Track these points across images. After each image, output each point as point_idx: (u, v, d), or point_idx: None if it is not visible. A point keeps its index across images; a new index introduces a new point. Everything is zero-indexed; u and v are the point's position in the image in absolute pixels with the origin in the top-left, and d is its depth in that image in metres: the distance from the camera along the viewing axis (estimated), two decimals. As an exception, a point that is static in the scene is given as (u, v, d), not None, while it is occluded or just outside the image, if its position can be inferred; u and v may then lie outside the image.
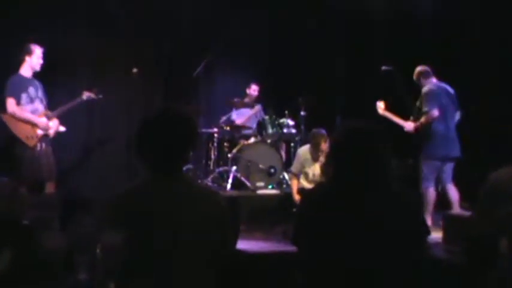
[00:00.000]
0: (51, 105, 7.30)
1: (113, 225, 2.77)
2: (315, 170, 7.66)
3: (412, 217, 2.95)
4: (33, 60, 7.07)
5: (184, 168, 3.27)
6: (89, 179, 9.04)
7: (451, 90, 7.34)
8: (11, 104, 6.82)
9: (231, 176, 8.99)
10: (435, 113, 7.05)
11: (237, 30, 10.20)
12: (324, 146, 7.45)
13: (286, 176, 9.22)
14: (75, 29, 8.71)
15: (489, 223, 3.53)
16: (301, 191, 7.58)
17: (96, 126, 9.28)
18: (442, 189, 7.25)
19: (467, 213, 6.03)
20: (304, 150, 7.91)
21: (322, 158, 7.51)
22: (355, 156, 2.94)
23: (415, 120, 7.38)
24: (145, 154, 2.89)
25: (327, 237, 2.89)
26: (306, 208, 3.10)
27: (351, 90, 10.18)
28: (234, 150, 9.35)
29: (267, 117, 9.86)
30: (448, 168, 7.29)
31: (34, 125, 6.94)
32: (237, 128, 9.89)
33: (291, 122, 9.67)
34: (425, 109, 7.12)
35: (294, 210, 6.89)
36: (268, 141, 9.64)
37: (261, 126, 10.17)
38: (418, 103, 7.32)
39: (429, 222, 6.71)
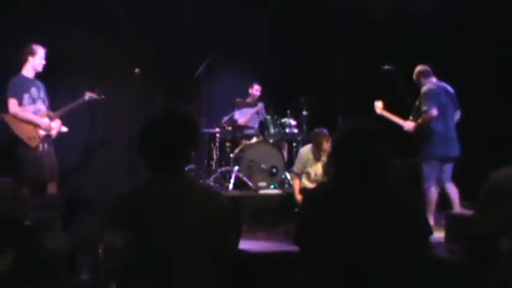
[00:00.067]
0: (53, 106, 7.30)
1: (114, 225, 2.77)
2: (316, 169, 7.66)
3: (414, 217, 2.95)
4: (36, 61, 7.07)
5: (186, 168, 3.27)
6: (91, 179, 9.04)
7: (450, 89, 7.34)
8: (13, 104, 6.82)
9: (233, 176, 8.99)
10: (434, 112, 7.05)
11: (238, 30, 10.19)
12: (326, 145, 7.45)
13: (288, 176, 9.23)
14: (76, 30, 8.69)
15: (490, 223, 3.53)
16: (303, 190, 7.58)
17: (98, 126, 9.27)
18: (441, 188, 7.25)
19: (469, 213, 6.03)
20: (306, 150, 7.91)
21: (324, 158, 7.50)
22: (356, 156, 2.95)
23: (414, 120, 7.38)
24: (147, 154, 2.90)
25: (329, 237, 2.90)
26: (308, 208, 3.10)
27: (353, 90, 10.18)
28: (236, 150, 9.35)
29: (269, 117, 9.87)
30: (448, 167, 7.29)
31: (36, 126, 6.94)
32: (239, 128, 9.89)
33: (293, 122, 9.68)
34: (424, 108, 7.12)
35: (296, 210, 6.89)
36: (270, 141, 9.65)
37: (263, 126, 10.19)
38: (417, 102, 7.32)
39: (431, 221, 6.71)
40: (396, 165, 2.99)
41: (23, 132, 6.86)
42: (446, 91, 7.29)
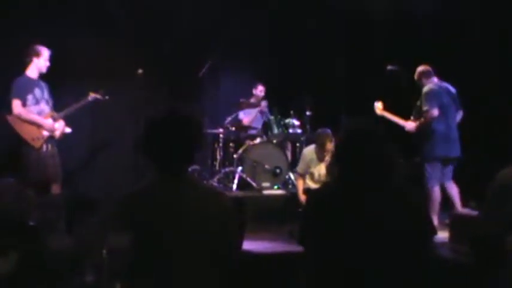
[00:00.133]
0: (57, 107, 7.31)
1: (119, 226, 2.77)
2: (320, 170, 7.66)
3: (417, 217, 2.95)
4: (41, 62, 7.07)
5: (190, 169, 3.27)
6: (94, 179, 9.04)
7: (452, 89, 7.33)
8: (16, 105, 6.82)
9: (237, 176, 9.00)
10: (435, 112, 7.05)
11: (239, 30, 10.19)
12: (329, 145, 7.45)
13: (292, 176, 9.23)
14: (77, 30, 8.68)
15: (495, 222, 3.53)
16: (307, 191, 7.58)
17: (101, 127, 9.28)
18: (442, 187, 7.24)
19: (474, 213, 6.03)
20: (309, 150, 7.90)
21: (327, 158, 7.50)
22: (359, 156, 2.95)
23: (415, 120, 7.38)
24: (151, 155, 2.90)
25: (332, 237, 2.90)
26: (311, 208, 3.10)
27: (355, 90, 10.17)
28: (240, 151, 9.36)
29: (272, 117, 9.87)
30: (448, 167, 7.29)
31: (40, 127, 6.93)
32: (242, 129, 9.89)
33: (296, 122, 9.68)
34: (425, 108, 7.11)
35: (300, 210, 6.89)
36: (274, 141, 9.65)
37: (266, 127, 10.19)
38: (418, 103, 7.32)
39: (436, 221, 6.71)
40: (399, 165, 2.98)
41: (27, 133, 6.86)
42: (448, 91, 7.28)
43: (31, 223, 3.79)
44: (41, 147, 6.93)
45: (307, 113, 9.81)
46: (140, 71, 8.52)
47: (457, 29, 8.87)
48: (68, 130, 7.30)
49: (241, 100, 9.86)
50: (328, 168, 7.38)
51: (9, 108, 6.85)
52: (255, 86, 10.31)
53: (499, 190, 3.62)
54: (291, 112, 9.78)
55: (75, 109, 7.36)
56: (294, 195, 8.11)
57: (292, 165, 9.29)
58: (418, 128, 7.30)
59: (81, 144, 9.03)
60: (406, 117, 7.51)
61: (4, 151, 7.49)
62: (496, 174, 3.79)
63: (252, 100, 10.23)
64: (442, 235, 5.99)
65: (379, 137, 3.00)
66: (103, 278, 2.89)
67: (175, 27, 9.68)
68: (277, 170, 9.20)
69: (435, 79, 7.33)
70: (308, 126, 9.75)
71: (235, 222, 3.00)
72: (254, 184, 8.97)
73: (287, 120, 9.70)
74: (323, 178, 7.57)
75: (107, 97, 7.66)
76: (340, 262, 2.87)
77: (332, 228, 2.90)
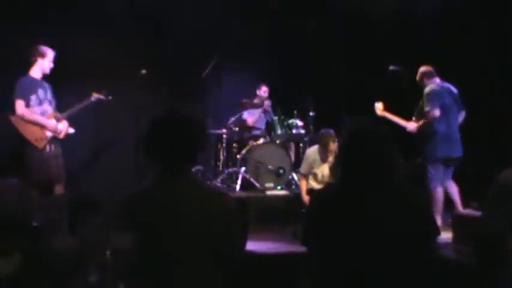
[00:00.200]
0: (59, 107, 7.31)
1: (121, 227, 2.77)
2: (323, 170, 7.66)
3: (420, 217, 2.95)
4: (45, 63, 7.07)
5: (193, 169, 3.27)
6: (97, 180, 9.05)
7: (454, 90, 7.33)
8: (20, 106, 6.82)
9: (240, 176, 9.00)
10: (436, 113, 7.04)
11: (242, 31, 10.20)
12: (333, 146, 7.45)
13: (295, 177, 9.22)
14: (79, 30, 8.68)
15: (497, 223, 3.52)
16: (310, 191, 7.58)
17: (104, 127, 9.28)
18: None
19: (476, 213, 6.02)
20: (312, 151, 7.91)
21: (330, 159, 7.51)
22: (361, 157, 2.96)
23: (417, 120, 7.38)
24: (154, 155, 2.90)
25: (335, 237, 2.90)
26: (315, 209, 3.10)
27: (359, 91, 10.16)
28: (243, 151, 9.36)
29: (275, 118, 9.87)
30: (449, 167, 7.29)
31: (43, 127, 6.94)
32: (246, 129, 9.89)
33: (299, 123, 9.67)
34: (426, 109, 7.11)
35: (303, 210, 6.88)
36: (277, 141, 9.65)
37: (269, 127, 10.19)
38: (420, 103, 7.31)
39: (439, 222, 6.71)
40: (400, 165, 2.98)
41: (30, 133, 6.86)
42: (450, 92, 7.28)
43: (34, 223, 3.80)
44: (44, 147, 6.94)
45: (311, 113, 9.80)
46: (144, 71, 8.53)
47: (457, 29, 8.87)
48: (71, 131, 7.31)
49: (244, 100, 9.86)
50: (331, 169, 7.37)
51: (12, 109, 6.86)
52: (258, 87, 10.33)
53: (500, 191, 3.62)
54: (294, 112, 9.77)
55: (78, 109, 7.37)
56: (297, 196, 8.10)
57: (296, 165, 9.28)
58: (420, 129, 7.30)
59: (84, 144, 9.04)
60: (408, 118, 7.51)
61: (7, 151, 7.49)
62: (497, 174, 3.79)
63: (256, 101, 10.25)
64: (446, 236, 5.98)
65: (380, 137, 3.00)
66: (107, 278, 2.89)
67: (178, 28, 9.68)
68: (281, 171, 9.20)
69: (437, 79, 7.33)
70: (311, 127, 9.74)
71: (239, 223, 3.00)
72: (257, 184, 8.97)
73: (290, 121, 9.69)
74: (326, 178, 7.56)
75: (109, 97, 7.66)
76: (343, 262, 2.87)
77: (335, 229, 2.91)
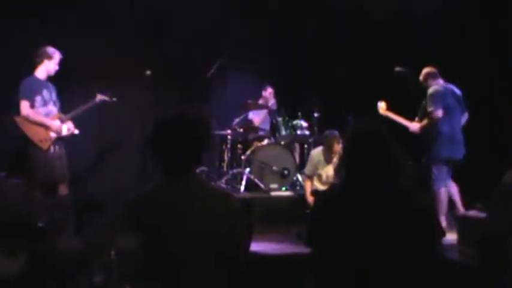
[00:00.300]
0: (64, 108, 7.32)
1: (126, 228, 2.78)
2: (328, 171, 7.66)
3: (425, 218, 2.94)
4: (51, 65, 7.08)
5: (198, 170, 3.28)
6: (102, 181, 9.04)
7: (457, 91, 7.32)
8: (25, 106, 6.83)
9: (245, 177, 8.99)
10: (439, 113, 7.04)
11: (248, 31, 10.21)
12: (337, 147, 7.47)
13: (300, 178, 9.22)
14: (86, 31, 8.68)
15: (501, 224, 3.52)
16: (315, 192, 7.58)
17: (109, 128, 9.28)
18: None
19: (481, 214, 6.01)
20: (317, 152, 7.91)
21: (335, 160, 7.52)
22: (366, 158, 2.96)
23: (419, 121, 7.38)
24: (159, 156, 2.91)
25: (340, 238, 2.90)
26: (319, 210, 3.10)
27: (363, 92, 10.16)
28: (248, 152, 9.36)
29: (280, 118, 9.85)
30: (451, 168, 7.30)
31: (47, 128, 6.95)
32: (250, 130, 9.89)
33: (304, 124, 9.66)
34: (429, 109, 7.11)
35: (308, 211, 6.89)
36: (282, 143, 9.65)
37: (274, 128, 10.18)
38: (423, 103, 7.31)
39: (444, 223, 6.70)
40: (406, 166, 2.98)
41: (35, 134, 6.87)
42: (453, 93, 7.28)
43: (39, 224, 3.81)
44: (49, 148, 6.94)
45: (315, 114, 9.80)
46: (148, 72, 8.54)
47: (457, 29, 8.86)
48: (76, 132, 7.31)
49: (248, 101, 9.87)
50: (336, 170, 7.38)
51: (17, 109, 6.87)
52: (264, 88, 10.35)
53: (504, 192, 3.62)
54: (299, 114, 9.77)
55: (83, 111, 7.38)
56: (301, 197, 8.10)
57: (300, 166, 9.28)
58: (422, 129, 7.30)
59: (89, 146, 9.04)
60: (412, 119, 7.51)
61: (12, 152, 7.50)
62: (497, 174, 3.79)
63: (261, 101, 10.26)
64: (451, 237, 5.97)
65: (386, 139, 3.00)
66: (111, 279, 2.90)
67: (178, 28, 9.67)
68: (285, 172, 9.20)
69: (441, 81, 7.33)
70: (316, 128, 9.73)
71: (243, 224, 3.00)
72: (262, 185, 8.97)
73: (295, 122, 9.68)
74: (331, 180, 7.57)
75: (114, 99, 7.67)
76: (348, 264, 2.87)
77: (339, 230, 2.91)
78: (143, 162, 8.60)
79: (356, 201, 2.92)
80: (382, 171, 2.93)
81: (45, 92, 7.01)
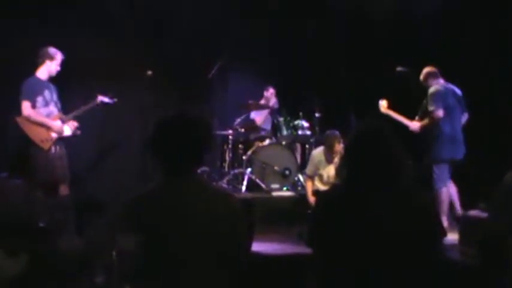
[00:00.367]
0: (65, 109, 7.31)
1: (127, 228, 2.78)
2: (329, 171, 7.66)
3: (426, 218, 2.94)
4: (53, 66, 7.08)
5: (199, 170, 3.28)
6: (103, 181, 9.04)
7: (458, 91, 7.32)
8: (26, 107, 6.83)
9: (246, 178, 8.99)
10: (440, 113, 7.04)
11: (249, 32, 10.21)
12: (338, 147, 7.47)
13: (301, 178, 9.22)
14: (87, 31, 8.68)
15: (502, 224, 3.52)
16: (316, 192, 7.58)
17: (110, 129, 9.28)
18: None
19: (483, 214, 6.01)
20: (318, 152, 7.91)
21: (336, 160, 7.52)
22: (366, 158, 2.95)
23: (420, 120, 7.38)
24: (160, 156, 2.91)
25: (341, 238, 2.89)
26: (320, 210, 3.10)
27: (364, 91, 10.16)
28: (249, 152, 9.36)
29: (281, 119, 9.86)
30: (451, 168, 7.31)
31: (49, 129, 6.95)
32: (251, 130, 9.89)
33: (305, 124, 9.66)
34: (430, 109, 7.11)
35: (309, 212, 6.88)
36: (283, 143, 9.66)
37: (275, 128, 10.18)
38: (424, 102, 7.31)
39: (445, 223, 6.69)
40: (408, 166, 2.98)
41: (36, 134, 6.87)
42: (454, 93, 7.28)
43: (40, 224, 3.81)
44: (50, 149, 6.94)
45: (316, 114, 9.79)
46: (150, 72, 8.54)
47: (457, 29, 8.86)
48: (78, 132, 7.31)
49: (250, 101, 9.87)
50: (337, 170, 7.38)
51: (18, 110, 6.87)
52: (266, 88, 10.35)
53: (504, 192, 3.62)
54: (300, 114, 9.77)
55: (84, 111, 7.37)
56: (303, 197, 8.10)
57: (301, 166, 9.28)
58: (422, 128, 7.31)
59: (90, 146, 9.04)
60: (413, 119, 7.50)
61: (13, 152, 7.51)
62: (501, 175, 3.79)
63: (262, 101, 10.27)
64: (452, 237, 5.97)
65: (388, 138, 3.00)
66: (112, 279, 2.90)
67: (178, 28, 9.68)
68: (286, 172, 9.20)
69: (441, 80, 7.33)
70: (317, 128, 9.73)
71: (244, 224, 2.99)
72: (263, 186, 8.97)
73: (296, 122, 9.68)
74: (332, 180, 7.57)
75: (115, 99, 7.66)
76: (349, 264, 2.87)
77: (341, 230, 2.90)
78: (143, 162, 8.61)
79: (357, 201, 2.92)
80: (383, 171, 2.92)
81: (46, 93, 7.01)
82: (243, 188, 8.86)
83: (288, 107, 9.99)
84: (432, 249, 2.95)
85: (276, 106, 10.27)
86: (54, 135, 6.98)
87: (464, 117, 7.40)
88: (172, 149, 2.87)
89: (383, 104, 7.77)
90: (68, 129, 7.15)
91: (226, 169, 9.65)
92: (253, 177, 9.03)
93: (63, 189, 7.05)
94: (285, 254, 6.13)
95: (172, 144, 2.87)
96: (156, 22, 9.58)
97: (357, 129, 3.14)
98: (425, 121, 7.23)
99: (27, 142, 6.87)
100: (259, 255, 5.81)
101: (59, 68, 7.14)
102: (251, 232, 5.51)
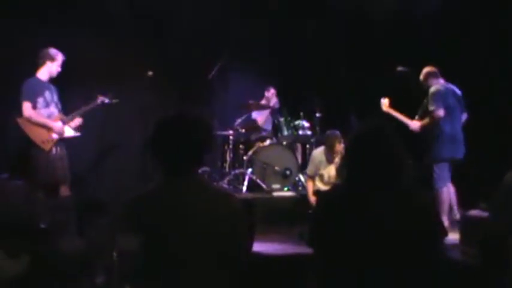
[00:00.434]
0: (65, 109, 7.31)
1: (127, 228, 2.78)
2: (330, 171, 7.66)
3: (427, 218, 2.94)
4: (53, 67, 7.08)
5: (200, 171, 3.28)
6: (103, 182, 9.05)
7: (458, 91, 7.33)
8: (27, 108, 6.83)
9: (247, 178, 8.99)
10: (440, 112, 7.04)
11: (249, 32, 10.21)
12: (339, 147, 7.47)
13: (302, 178, 9.22)
14: (88, 32, 8.67)
15: (502, 224, 3.52)
16: (317, 192, 7.58)
17: (110, 129, 9.27)
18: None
19: (484, 214, 6.01)
20: (318, 152, 7.91)
21: (337, 160, 7.52)
22: (367, 157, 2.95)
23: (420, 119, 7.38)
24: (160, 157, 2.91)
25: (342, 238, 2.89)
26: (321, 210, 3.10)
27: (365, 91, 10.16)
28: (250, 153, 9.36)
29: (282, 119, 9.86)
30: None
31: (49, 129, 6.95)
32: (252, 130, 9.89)
33: (306, 124, 9.66)
34: (431, 108, 7.10)
35: (310, 212, 6.88)
36: (284, 143, 9.66)
37: (276, 128, 10.19)
38: (425, 101, 7.31)
39: (446, 222, 6.70)
40: (409, 166, 2.98)
41: (37, 135, 6.87)
42: (454, 93, 7.28)
43: (41, 225, 3.81)
44: (51, 149, 6.94)
45: (317, 114, 9.79)
46: (150, 72, 8.54)
47: (457, 29, 8.86)
48: (78, 133, 7.31)
49: (250, 102, 9.87)
50: (338, 170, 7.38)
51: (19, 111, 6.87)
52: (267, 89, 10.36)
53: (504, 192, 3.62)
54: (301, 114, 9.77)
55: (84, 112, 7.37)
56: (303, 197, 8.10)
57: (302, 167, 9.28)
58: (423, 128, 7.31)
59: (90, 146, 9.03)
60: (413, 119, 7.50)
61: (14, 153, 7.50)
62: (501, 175, 3.79)
63: (263, 102, 10.27)
64: (453, 237, 5.97)
65: (390, 138, 3.00)
66: (113, 279, 2.90)
67: (178, 28, 9.68)
68: (287, 172, 9.20)
69: (441, 80, 7.33)
70: (318, 128, 9.72)
71: (245, 224, 3.00)
72: (264, 186, 8.97)
73: (297, 122, 9.68)
74: (333, 180, 7.57)
75: (115, 100, 7.66)
76: (350, 264, 2.87)
77: (341, 230, 2.90)
78: (143, 163, 8.61)
79: (358, 201, 2.92)
80: (385, 170, 2.92)
81: (47, 94, 7.00)
82: (244, 188, 8.87)
83: (289, 107, 9.99)
84: (433, 249, 2.95)
85: (277, 106, 10.27)
86: (55, 136, 6.98)
87: (464, 117, 7.40)
88: (173, 149, 2.87)
89: (385, 103, 7.77)
90: (68, 130, 7.16)
91: (227, 169, 9.66)
92: (254, 177, 9.03)
93: (64, 190, 7.04)
94: (286, 254, 6.13)
95: (172, 145, 2.87)
96: (156, 22, 9.59)
97: (358, 129, 3.14)
98: (426, 121, 7.23)
99: (28, 143, 6.86)
100: (260, 256, 5.81)
101: (59, 69, 7.13)
102: (252, 232, 5.50)
